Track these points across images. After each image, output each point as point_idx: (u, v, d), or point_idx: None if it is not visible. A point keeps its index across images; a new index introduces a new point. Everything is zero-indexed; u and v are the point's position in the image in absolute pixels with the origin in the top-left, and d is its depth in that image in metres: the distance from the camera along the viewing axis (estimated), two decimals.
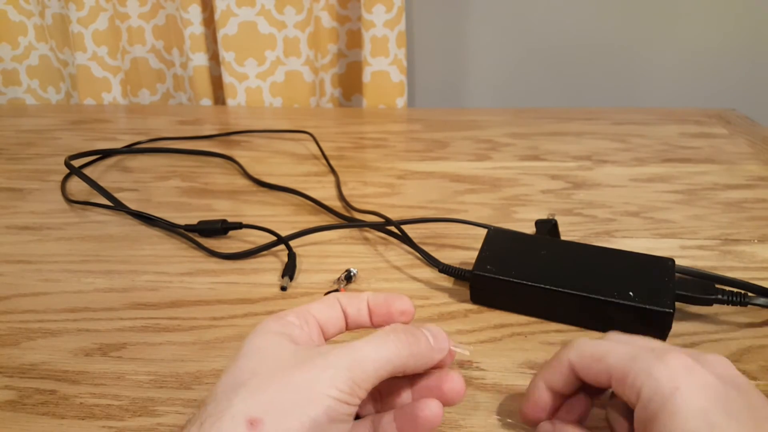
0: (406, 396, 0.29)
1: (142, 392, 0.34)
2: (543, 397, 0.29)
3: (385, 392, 0.29)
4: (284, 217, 0.53)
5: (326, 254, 0.47)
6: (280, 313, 0.28)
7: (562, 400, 0.29)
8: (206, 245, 0.48)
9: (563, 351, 0.29)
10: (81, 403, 0.33)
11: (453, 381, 0.28)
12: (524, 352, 0.37)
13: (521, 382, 0.34)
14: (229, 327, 0.39)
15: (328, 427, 0.24)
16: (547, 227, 0.46)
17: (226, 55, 0.80)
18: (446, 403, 0.28)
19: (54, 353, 0.37)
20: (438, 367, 0.28)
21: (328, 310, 0.30)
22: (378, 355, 0.25)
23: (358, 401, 0.25)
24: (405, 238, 0.47)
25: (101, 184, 0.56)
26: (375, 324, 0.30)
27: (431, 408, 0.27)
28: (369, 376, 0.25)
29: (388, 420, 0.28)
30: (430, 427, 0.27)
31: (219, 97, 0.88)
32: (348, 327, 0.30)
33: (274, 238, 0.47)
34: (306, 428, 0.23)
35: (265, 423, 0.23)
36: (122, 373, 0.35)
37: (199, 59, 0.82)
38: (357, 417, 0.29)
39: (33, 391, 0.34)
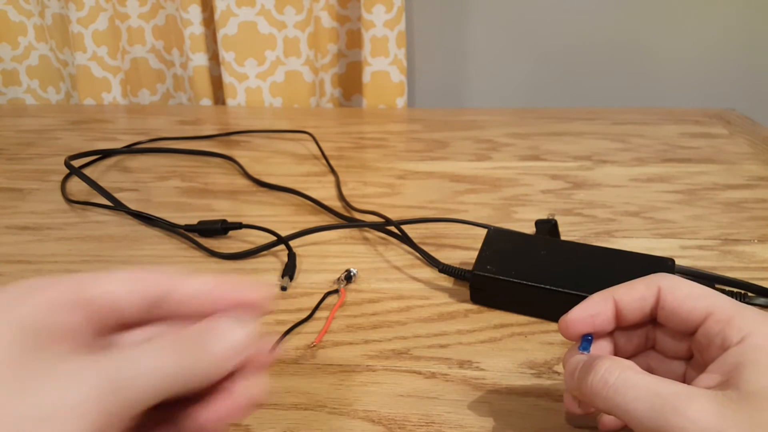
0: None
1: None
2: (603, 309, 0.27)
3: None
4: (284, 217, 0.53)
5: (326, 254, 0.47)
6: (64, 278, 0.21)
7: (612, 327, 0.28)
8: (206, 245, 0.48)
9: (649, 277, 0.27)
10: None
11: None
12: (524, 352, 0.37)
13: (521, 382, 0.34)
14: None
15: None
16: (547, 227, 0.46)
17: (226, 55, 0.80)
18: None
19: None
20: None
21: (135, 283, 0.22)
22: (151, 376, 0.19)
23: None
24: (405, 238, 0.47)
25: (101, 184, 0.56)
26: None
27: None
28: (134, 402, 0.19)
29: None
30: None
31: (219, 97, 0.88)
32: (160, 316, 0.23)
33: (274, 238, 0.47)
34: None
35: None
36: None
37: (199, 59, 0.82)
38: None
39: None
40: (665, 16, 0.84)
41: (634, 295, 0.27)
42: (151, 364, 0.19)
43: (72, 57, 0.84)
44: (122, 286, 0.21)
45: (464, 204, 0.54)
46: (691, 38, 0.85)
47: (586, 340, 0.28)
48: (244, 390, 0.22)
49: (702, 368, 0.25)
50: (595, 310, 0.28)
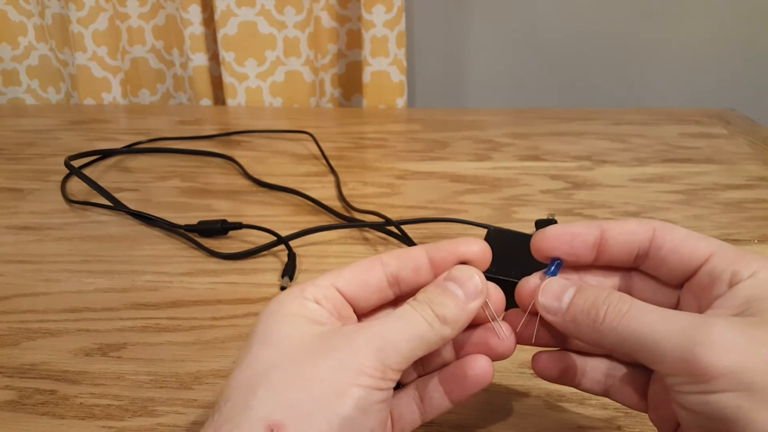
0: (448, 354, 0.26)
1: (142, 392, 0.34)
2: (587, 231, 0.25)
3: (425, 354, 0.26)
4: (284, 217, 0.53)
5: (326, 254, 0.47)
6: (297, 288, 0.25)
7: (590, 259, 0.26)
8: (206, 245, 0.48)
9: (640, 218, 0.26)
10: (81, 403, 0.33)
11: (500, 334, 0.25)
12: (524, 352, 0.36)
13: (521, 382, 0.34)
14: (229, 327, 0.39)
15: (362, 419, 0.21)
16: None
17: (226, 55, 0.80)
18: (494, 358, 0.25)
19: (54, 353, 0.37)
20: (477, 322, 0.26)
21: (362, 277, 0.26)
22: (410, 332, 0.23)
23: (391, 384, 0.23)
24: (405, 238, 0.47)
25: (101, 184, 0.56)
26: None
27: (480, 365, 0.25)
28: (403, 357, 0.23)
29: (434, 384, 0.26)
30: (480, 386, 0.25)
31: (219, 97, 0.88)
32: (402, 292, 0.26)
33: (274, 238, 0.47)
34: (336, 428, 0.21)
35: (288, 428, 0.20)
36: (122, 373, 0.35)
37: (199, 59, 0.82)
38: (399, 385, 0.26)
39: (33, 391, 0.34)
40: (665, 16, 0.84)
41: (624, 227, 0.26)
42: (409, 331, 0.23)
43: (72, 57, 0.84)
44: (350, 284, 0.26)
45: (464, 204, 0.54)
46: (692, 38, 0.85)
47: (555, 265, 0.26)
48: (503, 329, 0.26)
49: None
50: (577, 230, 0.26)
